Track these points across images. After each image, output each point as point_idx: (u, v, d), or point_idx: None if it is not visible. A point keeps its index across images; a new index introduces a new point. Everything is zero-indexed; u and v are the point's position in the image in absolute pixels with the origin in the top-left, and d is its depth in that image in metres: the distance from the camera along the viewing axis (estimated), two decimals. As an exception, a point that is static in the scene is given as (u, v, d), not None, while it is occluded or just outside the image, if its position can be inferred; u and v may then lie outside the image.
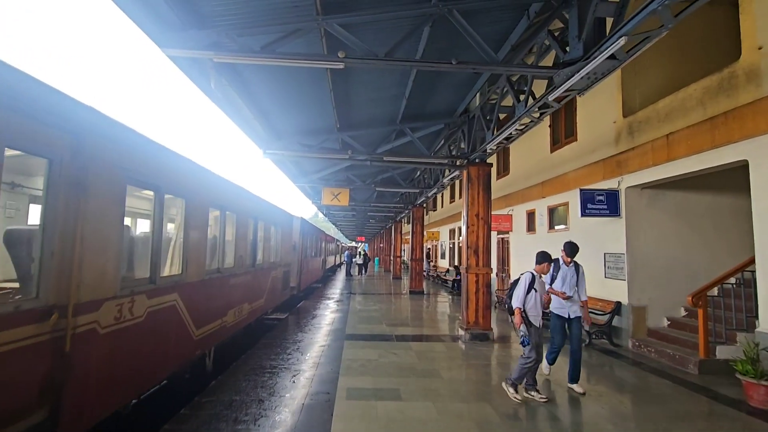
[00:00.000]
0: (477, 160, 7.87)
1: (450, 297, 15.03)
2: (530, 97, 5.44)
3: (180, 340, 4.51)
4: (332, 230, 65.67)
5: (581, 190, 7.56)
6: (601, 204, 7.48)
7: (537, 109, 5.33)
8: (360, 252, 25.39)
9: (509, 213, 12.51)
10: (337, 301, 12.84)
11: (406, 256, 33.63)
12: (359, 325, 8.81)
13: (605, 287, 7.84)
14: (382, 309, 11.33)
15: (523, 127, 6.03)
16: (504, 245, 13.52)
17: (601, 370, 5.95)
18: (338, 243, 43.06)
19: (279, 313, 12.49)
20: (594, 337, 7.36)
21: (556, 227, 10.04)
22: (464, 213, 7.88)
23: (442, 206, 23.34)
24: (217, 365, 5.96)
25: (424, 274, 20.25)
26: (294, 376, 5.14)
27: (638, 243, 7.34)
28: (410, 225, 15.97)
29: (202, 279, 5.04)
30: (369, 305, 12.07)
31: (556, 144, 10.05)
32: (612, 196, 7.49)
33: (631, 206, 7.42)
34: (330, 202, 11.90)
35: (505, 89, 6.29)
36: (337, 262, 37.79)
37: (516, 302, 4.68)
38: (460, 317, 8.08)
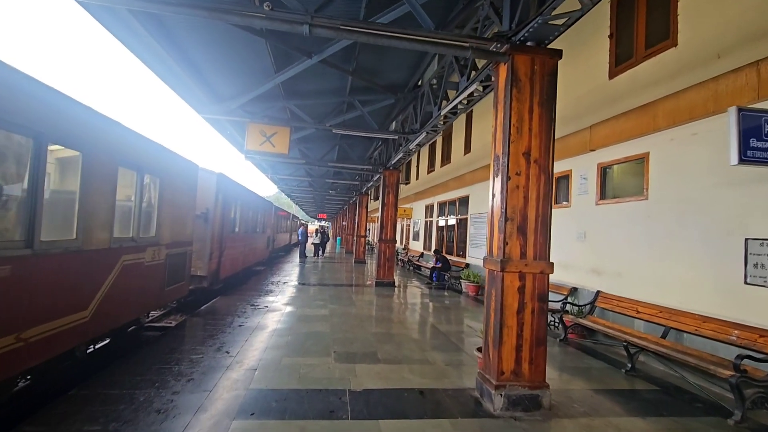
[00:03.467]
0: (529, 43, 3.87)
1: (429, 291, 11.28)
2: None
3: None
4: (294, 209, 60.48)
5: (741, 111, 3.74)
6: (774, 140, 3.74)
7: None
8: (317, 230, 21.12)
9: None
10: (272, 297, 8.70)
11: (372, 237, 29.76)
12: (287, 359, 4.76)
13: (746, 301, 4.23)
14: (335, 315, 7.32)
15: None
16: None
17: None
18: (296, 219, 38.31)
19: (179, 316, 8.24)
20: (753, 402, 3.71)
21: (616, 197, 6.35)
22: (500, 151, 3.90)
23: (417, 177, 19.42)
24: None
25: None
26: None
27: (843, 221, 3.71)
28: (380, 195, 11.94)
29: None
30: (316, 307, 8.03)
31: (623, 62, 6.24)
32: (792, 127, 3.76)
33: (834, 147, 3.74)
34: (260, 148, 7.59)
35: None
36: (294, 241, 33.26)
37: None
38: (479, 356, 4.23)
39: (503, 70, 3.95)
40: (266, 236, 17.06)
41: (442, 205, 15.29)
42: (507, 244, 3.72)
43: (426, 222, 17.43)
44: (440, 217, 15.44)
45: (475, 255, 11.47)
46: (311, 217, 67.13)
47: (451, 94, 6.60)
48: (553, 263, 3.78)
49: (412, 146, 8.46)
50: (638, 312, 5.43)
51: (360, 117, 8.62)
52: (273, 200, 41.88)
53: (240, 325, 6.31)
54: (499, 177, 3.88)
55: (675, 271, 5.10)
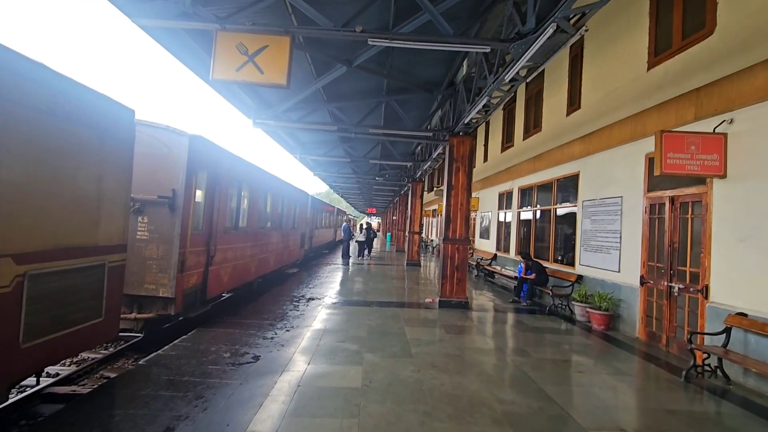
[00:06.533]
0: None
1: (520, 317, 7.39)
2: None
3: None
4: (344, 205, 58.09)
5: None
6: None
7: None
8: (361, 225, 17.85)
9: (722, 127, 4.64)
10: (277, 332, 5.39)
11: (426, 233, 26.03)
12: None
13: None
14: (373, 388, 3.79)
15: None
16: (688, 214, 5.59)
17: None
18: (343, 214, 35.32)
19: (130, 361, 5.22)
20: None
21: None
22: None
23: (485, 159, 15.31)
24: None
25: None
26: None
27: None
28: (446, 175, 8.23)
29: None
30: (343, 359, 4.56)
31: None
32: None
33: None
34: (237, 76, 4.21)
35: None
36: (339, 238, 30.38)
37: None
38: None
39: None
40: (299, 234, 14.00)
41: (525, 191, 11.21)
42: None
43: (500, 215, 13.39)
44: (523, 208, 11.37)
45: (593, 263, 7.40)
46: (360, 212, 64.56)
47: None
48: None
49: (515, 70, 4.57)
50: None
51: (423, 28, 4.90)
52: (323, 197, 39.16)
53: (177, 416, 2.98)
54: None
55: None
